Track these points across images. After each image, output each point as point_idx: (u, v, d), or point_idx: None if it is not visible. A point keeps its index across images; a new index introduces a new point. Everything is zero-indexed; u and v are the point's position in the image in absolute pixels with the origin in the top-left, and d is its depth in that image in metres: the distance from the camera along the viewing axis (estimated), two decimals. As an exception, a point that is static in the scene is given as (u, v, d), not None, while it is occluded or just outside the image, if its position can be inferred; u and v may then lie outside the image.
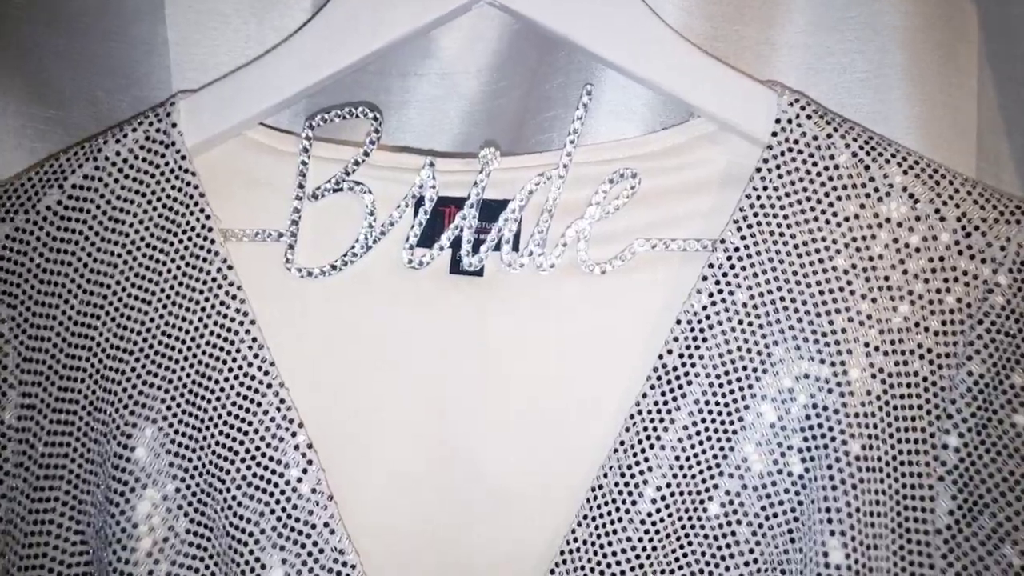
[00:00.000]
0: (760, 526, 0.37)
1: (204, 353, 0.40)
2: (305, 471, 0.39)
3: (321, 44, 0.42)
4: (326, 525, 0.38)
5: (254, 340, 0.40)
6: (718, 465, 0.38)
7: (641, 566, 0.38)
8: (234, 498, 0.39)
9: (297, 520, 0.38)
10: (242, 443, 0.39)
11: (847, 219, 0.39)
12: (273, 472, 0.39)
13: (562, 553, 0.39)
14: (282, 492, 0.38)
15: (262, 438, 0.39)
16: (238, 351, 0.40)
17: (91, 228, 0.42)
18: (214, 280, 0.41)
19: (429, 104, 0.51)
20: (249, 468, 0.39)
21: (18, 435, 0.41)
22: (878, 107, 0.45)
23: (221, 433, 0.39)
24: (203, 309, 0.40)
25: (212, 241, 0.41)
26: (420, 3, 0.42)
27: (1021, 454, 0.37)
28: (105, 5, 0.46)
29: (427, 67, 0.51)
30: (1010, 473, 0.37)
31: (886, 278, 0.38)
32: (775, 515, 0.37)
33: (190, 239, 0.41)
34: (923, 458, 0.37)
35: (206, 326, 0.40)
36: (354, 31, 0.42)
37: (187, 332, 0.40)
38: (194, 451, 0.39)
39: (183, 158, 0.42)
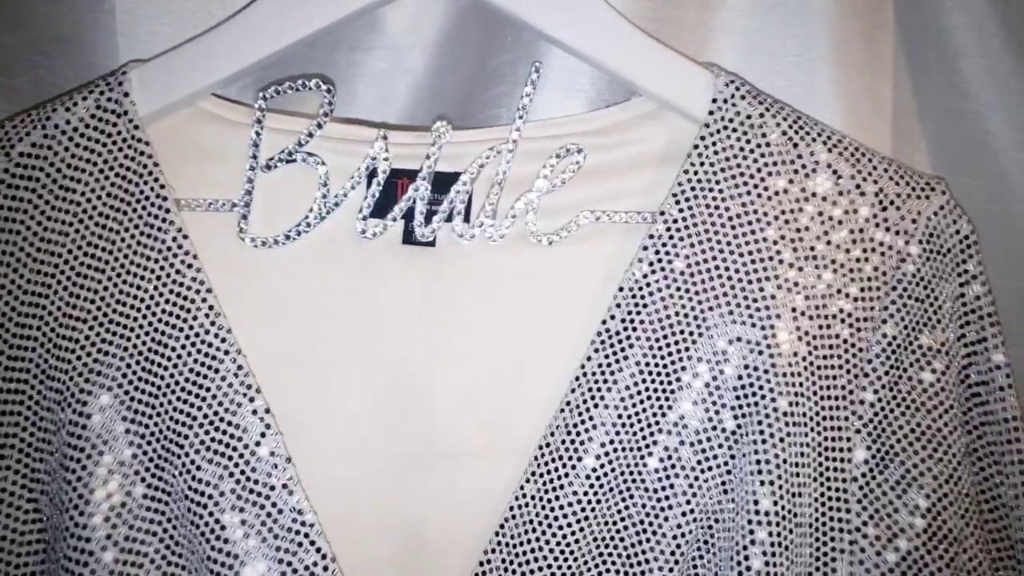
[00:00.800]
0: (696, 479, 0.40)
1: (160, 321, 0.40)
2: (263, 434, 0.40)
3: (274, 17, 0.43)
4: (284, 486, 0.39)
5: (210, 308, 0.40)
6: (657, 423, 0.41)
7: (586, 518, 0.40)
8: (192, 462, 0.39)
9: (256, 482, 0.39)
10: (199, 408, 0.40)
11: (776, 193, 0.41)
12: (231, 436, 0.40)
13: (511, 508, 0.41)
14: (240, 455, 0.39)
15: (220, 403, 0.40)
16: (195, 319, 0.40)
17: (40, 196, 0.41)
18: (169, 249, 0.41)
19: (375, 79, 0.52)
20: (207, 433, 0.40)
21: None
22: (805, 89, 0.48)
23: (178, 399, 0.40)
24: (158, 278, 0.41)
25: (167, 211, 0.41)
26: (372, -22, 0.43)
27: (927, 408, 0.41)
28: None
29: (374, 41, 0.51)
30: (917, 425, 0.40)
31: (812, 248, 0.41)
32: (710, 468, 0.40)
33: (144, 208, 0.41)
34: (843, 413, 0.40)
35: (161, 294, 0.41)
36: (306, 4, 0.43)
37: (142, 300, 0.41)
38: (151, 417, 0.40)
39: (136, 127, 0.42)
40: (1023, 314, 0.50)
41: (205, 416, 0.40)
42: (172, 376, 0.40)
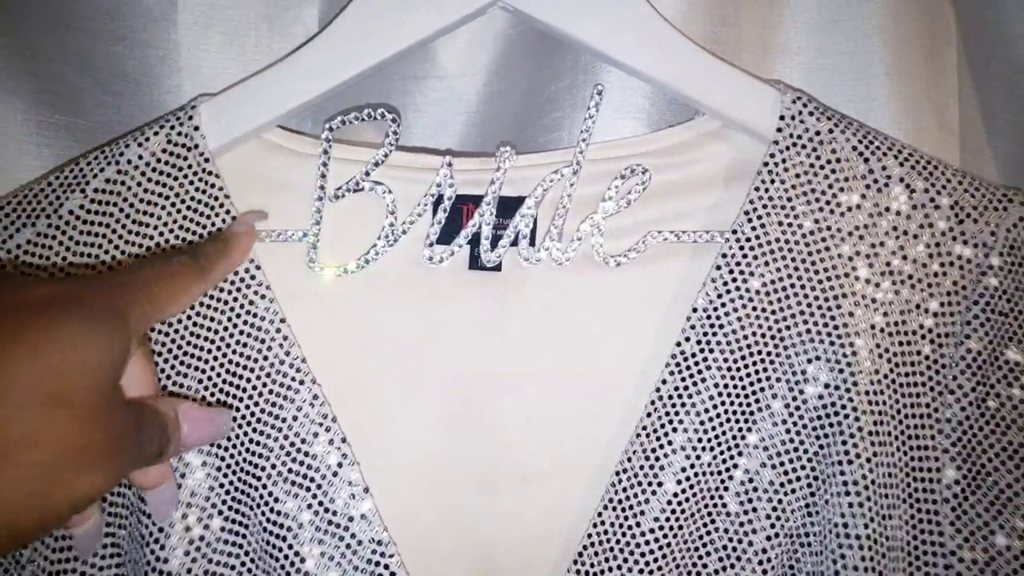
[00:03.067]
0: (780, 501, 0.39)
1: (234, 352, 0.41)
2: (340, 464, 0.39)
3: (337, 50, 0.43)
4: (363, 517, 0.39)
5: (285, 338, 0.40)
6: (737, 446, 0.40)
7: (668, 545, 0.39)
8: (270, 494, 0.39)
9: (334, 513, 0.39)
10: (276, 439, 0.40)
11: (850, 209, 0.41)
12: (309, 467, 0.39)
13: (590, 536, 0.40)
14: (318, 486, 0.39)
15: (296, 433, 0.40)
16: (269, 349, 0.40)
17: (114, 231, 0.42)
18: (242, 280, 0.41)
19: (429, 107, 0.52)
20: (284, 464, 0.39)
21: None
22: (868, 105, 0.48)
23: (255, 430, 0.40)
24: (232, 309, 0.41)
25: (239, 242, 0.41)
26: (434, 9, 0.43)
27: (1018, 425, 0.39)
28: (117, 9, 0.46)
29: (426, 71, 0.52)
30: (1008, 443, 0.39)
31: (888, 263, 0.40)
32: (793, 491, 0.39)
33: (216, 240, 0.41)
34: (928, 432, 0.39)
35: (235, 325, 0.41)
36: (369, 37, 0.43)
37: (216, 332, 0.41)
38: (227, 449, 0.40)
39: (206, 160, 0.42)
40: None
41: (282, 447, 0.39)
42: (248, 407, 0.40)
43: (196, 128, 0.42)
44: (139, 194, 0.42)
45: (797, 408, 0.40)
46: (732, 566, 0.39)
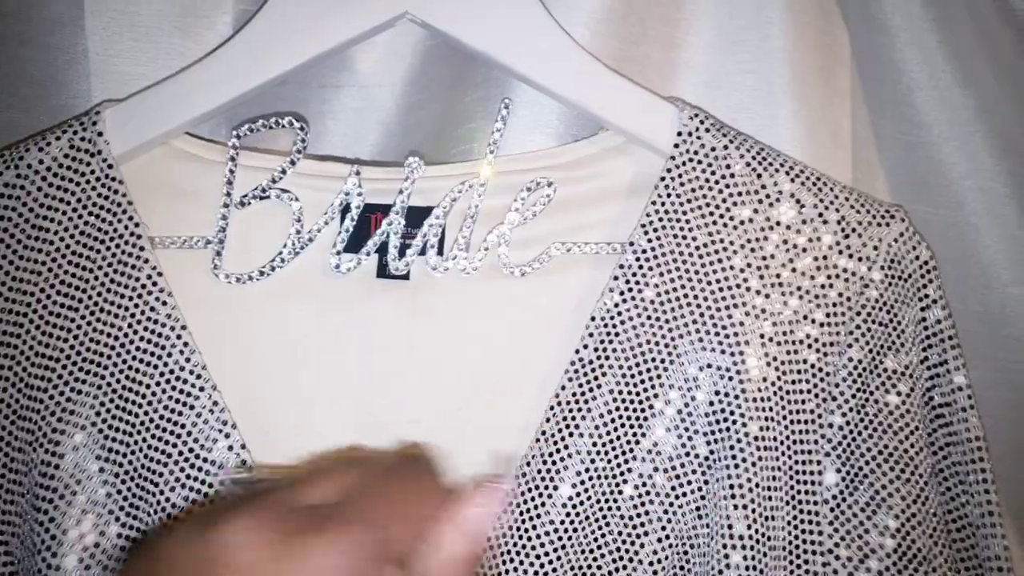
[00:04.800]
0: (671, 504, 0.41)
1: (134, 359, 0.40)
2: (239, 470, 0.40)
3: (246, 57, 0.44)
4: None
5: (185, 345, 0.41)
6: (631, 450, 0.41)
7: (563, 547, 0.40)
8: (168, 499, 0.39)
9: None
10: (175, 446, 0.40)
11: (742, 223, 0.43)
12: (207, 472, 0.39)
13: (488, 539, 0.41)
14: (216, 492, 0.39)
15: (195, 440, 0.40)
16: (169, 355, 0.40)
17: (12, 236, 0.41)
18: (143, 287, 0.41)
19: (346, 116, 0.53)
20: (183, 470, 0.39)
21: None
22: (767, 122, 0.49)
23: (153, 437, 0.40)
24: (132, 316, 0.41)
25: (141, 248, 0.41)
26: (343, 20, 0.44)
27: (893, 429, 0.42)
28: (23, 12, 0.46)
29: (344, 79, 0.52)
30: (884, 447, 0.41)
31: (777, 275, 0.42)
32: (684, 494, 0.41)
33: (118, 246, 0.41)
34: (812, 436, 0.41)
35: (136, 332, 0.41)
36: (279, 45, 0.44)
37: (116, 339, 0.41)
38: (125, 455, 0.40)
39: (110, 166, 0.42)
40: (982, 337, 0.51)
41: (180, 453, 0.40)
42: (147, 413, 0.40)
43: (100, 133, 0.42)
44: (38, 199, 0.42)
45: (689, 414, 0.41)
46: (624, 567, 0.40)
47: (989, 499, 0.42)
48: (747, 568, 0.39)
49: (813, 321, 0.42)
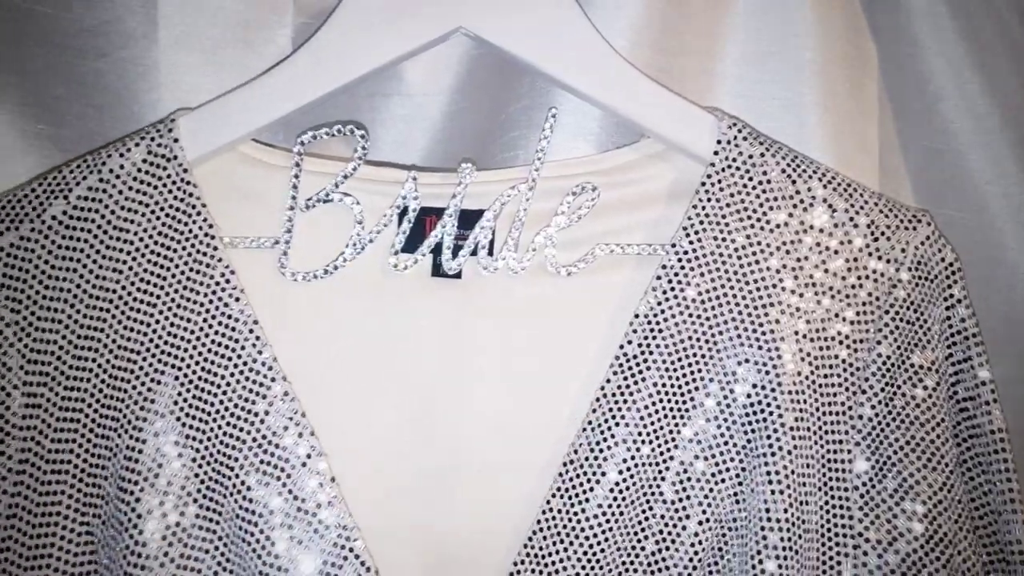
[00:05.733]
0: (711, 490, 0.43)
1: (210, 351, 0.43)
2: (308, 455, 0.43)
3: (310, 70, 0.46)
4: (330, 503, 0.42)
5: (257, 339, 0.43)
6: (674, 439, 0.44)
7: (611, 529, 0.43)
8: (243, 483, 0.42)
9: (304, 500, 0.42)
10: (249, 432, 0.43)
11: (778, 226, 0.45)
12: (279, 458, 0.42)
13: (539, 522, 0.44)
14: (288, 475, 0.42)
15: (268, 427, 0.43)
16: (243, 348, 0.43)
17: (96, 237, 0.44)
18: (217, 284, 0.44)
19: (394, 123, 0.55)
20: (256, 455, 0.42)
21: (22, 432, 0.43)
22: (797, 131, 0.52)
23: (228, 424, 0.43)
24: (207, 311, 0.44)
25: (215, 248, 0.44)
26: (400, 35, 0.46)
27: (920, 421, 0.44)
28: (100, 27, 0.49)
29: (392, 88, 0.55)
30: (912, 437, 0.44)
31: (811, 276, 0.45)
32: (723, 480, 0.43)
33: (193, 246, 0.44)
34: (843, 427, 0.44)
35: (211, 326, 0.44)
36: (340, 59, 0.46)
37: (192, 332, 0.44)
38: (202, 442, 0.43)
39: (185, 171, 0.45)
40: (1004, 335, 0.53)
41: (254, 439, 0.42)
42: (222, 402, 0.43)
43: (175, 140, 0.45)
44: (120, 201, 0.45)
45: (728, 406, 0.44)
46: (667, 548, 0.43)
47: (1011, 487, 0.45)
48: (784, 548, 0.41)
49: (844, 319, 0.45)
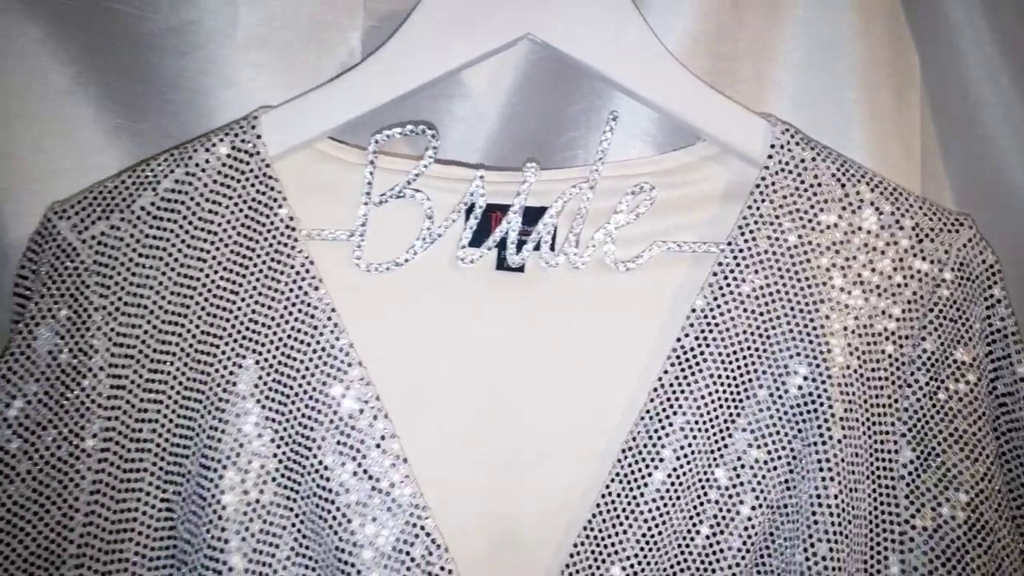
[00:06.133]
0: (764, 476, 0.46)
1: (289, 337, 0.46)
2: (383, 438, 0.45)
3: (384, 73, 0.48)
4: (402, 483, 0.44)
5: (335, 325, 0.46)
6: (728, 428, 0.46)
7: (667, 512, 0.45)
8: (320, 462, 0.45)
9: (378, 480, 0.44)
10: (326, 415, 0.45)
11: (828, 227, 0.48)
12: (356, 439, 0.45)
13: (598, 505, 0.46)
14: (364, 456, 0.45)
15: (345, 409, 0.45)
16: (321, 335, 0.46)
17: (182, 227, 0.47)
18: (297, 273, 0.46)
19: (455, 123, 0.58)
20: (334, 436, 0.45)
21: (107, 412, 0.46)
22: (843, 135, 0.54)
23: (307, 406, 0.45)
24: (288, 299, 0.46)
25: (296, 240, 0.47)
26: (471, 40, 0.49)
27: (963, 414, 0.46)
28: (183, 27, 0.51)
29: (454, 90, 0.57)
30: (955, 429, 0.46)
31: (859, 275, 0.47)
32: (775, 468, 0.46)
33: (275, 238, 0.47)
34: (889, 418, 0.46)
35: (291, 313, 0.46)
36: (413, 63, 0.48)
37: (273, 319, 0.46)
38: (281, 423, 0.45)
39: (267, 166, 0.47)
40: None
41: (331, 421, 0.45)
42: (301, 386, 0.45)
43: (259, 136, 0.47)
44: (205, 194, 0.47)
45: (780, 396, 0.46)
46: (721, 532, 0.45)
47: (1047, 479, 0.47)
48: (834, 533, 0.44)
49: (891, 316, 0.47)
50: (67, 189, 0.51)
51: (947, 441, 0.46)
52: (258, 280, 0.47)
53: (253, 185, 0.47)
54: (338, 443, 0.45)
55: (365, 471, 0.45)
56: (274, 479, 0.45)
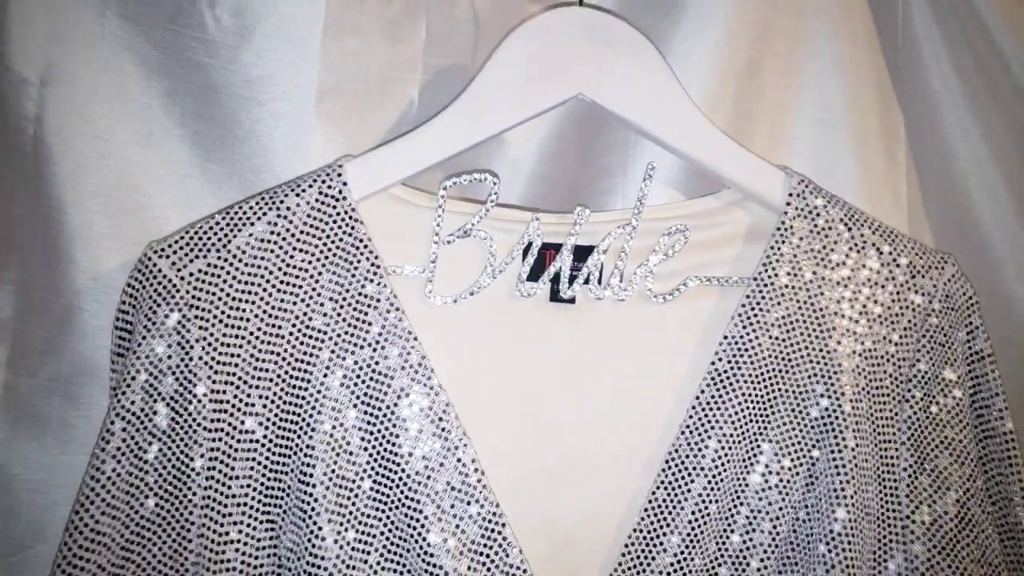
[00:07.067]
0: (789, 481, 0.53)
1: (382, 356, 0.51)
2: (457, 447, 0.51)
3: (451, 129, 0.54)
4: (480, 490, 0.50)
5: (420, 354, 0.51)
6: (757, 441, 0.53)
7: (707, 515, 0.52)
8: (411, 453, 0.50)
9: (458, 490, 0.50)
10: (414, 427, 0.50)
11: (838, 265, 0.55)
12: (442, 438, 0.50)
13: (646, 510, 0.52)
14: (447, 464, 0.50)
15: (432, 423, 0.50)
16: (407, 361, 0.51)
17: (275, 264, 0.52)
18: (387, 308, 0.52)
19: (494, 169, 0.64)
20: (419, 448, 0.50)
21: (211, 434, 0.50)
22: (840, 187, 0.63)
23: (396, 408, 0.50)
24: (378, 328, 0.51)
25: (381, 276, 0.52)
26: (530, 99, 0.55)
27: (951, 425, 0.54)
28: (261, 79, 0.57)
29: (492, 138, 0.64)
30: (945, 437, 0.54)
31: (864, 306, 0.55)
32: (798, 473, 0.53)
33: (362, 275, 0.52)
34: (892, 429, 0.54)
35: (383, 337, 0.51)
36: (478, 120, 0.55)
37: (366, 344, 0.51)
38: (375, 426, 0.50)
39: (353, 209, 0.53)
40: (1007, 356, 0.65)
41: (418, 432, 0.50)
42: (393, 402, 0.51)
43: (345, 183, 0.53)
44: (296, 235, 0.52)
45: (801, 412, 0.54)
46: (754, 530, 0.52)
47: (1020, 478, 0.55)
48: (849, 522, 0.51)
49: (891, 341, 0.55)
50: (147, 226, 0.55)
51: (939, 448, 0.54)
52: (349, 312, 0.52)
53: (340, 227, 0.53)
54: (423, 457, 0.50)
55: (447, 482, 0.50)
56: (369, 476, 0.50)
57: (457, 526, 0.50)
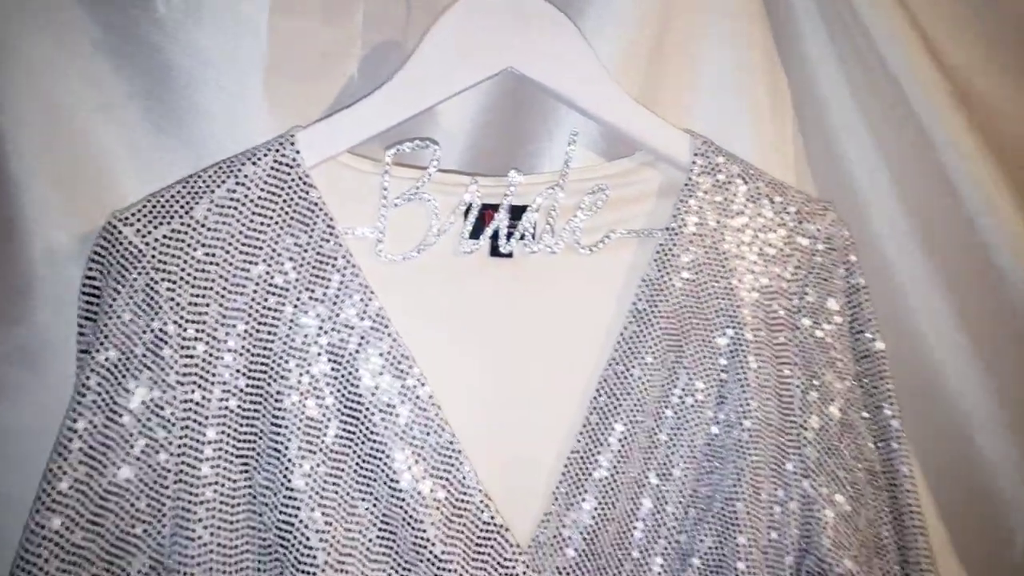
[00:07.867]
0: (703, 400, 0.61)
1: (339, 313, 0.56)
2: (421, 383, 0.56)
3: (390, 101, 0.59)
4: (438, 422, 0.56)
5: (378, 304, 0.57)
6: (675, 367, 0.61)
7: (634, 432, 0.60)
8: (372, 413, 0.55)
9: (418, 423, 0.56)
10: (375, 369, 0.56)
11: (738, 213, 0.64)
12: (405, 385, 0.56)
13: (583, 428, 0.60)
14: (407, 400, 0.56)
15: (392, 365, 0.56)
16: (365, 311, 0.56)
17: (236, 228, 0.56)
18: (344, 265, 0.57)
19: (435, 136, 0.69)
20: (381, 388, 0.56)
21: (183, 387, 0.54)
22: (734, 146, 0.71)
23: (360, 362, 0.56)
24: (336, 284, 0.56)
25: (337, 236, 0.57)
26: (463, 73, 0.60)
27: (834, 345, 0.64)
28: (211, 57, 0.60)
29: (434, 109, 0.69)
30: (830, 357, 0.63)
31: (760, 249, 0.64)
32: (709, 391, 0.61)
33: (320, 235, 0.57)
34: (786, 352, 0.63)
35: (339, 295, 0.56)
36: (414, 92, 0.60)
37: (323, 302, 0.56)
38: (337, 379, 0.55)
39: (307, 175, 0.57)
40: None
41: (381, 375, 0.56)
42: (356, 348, 0.56)
43: (298, 152, 0.57)
44: (255, 200, 0.56)
45: (711, 341, 0.62)
46: (677, 436, 0.61)
47: (888, 389, 0.66)
48: (753, 431, 0.60)
49: (783, 278, 0.64)
50: (102, 198, 0.58)
51: (825, 366, 0.64)
52: (307, 271, 0.56)
53: (295, 191, 0.57)
54: (384, 392, 0.56)
55: (409, 417, 0.56)
56: (334, 431, 0.55)
57: (418, 454, 0.56)
